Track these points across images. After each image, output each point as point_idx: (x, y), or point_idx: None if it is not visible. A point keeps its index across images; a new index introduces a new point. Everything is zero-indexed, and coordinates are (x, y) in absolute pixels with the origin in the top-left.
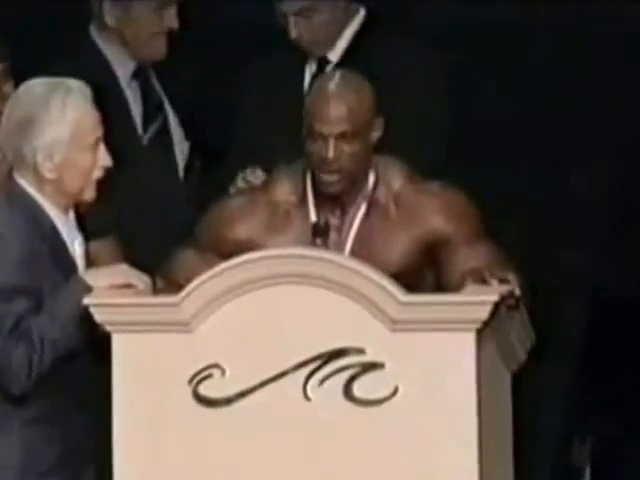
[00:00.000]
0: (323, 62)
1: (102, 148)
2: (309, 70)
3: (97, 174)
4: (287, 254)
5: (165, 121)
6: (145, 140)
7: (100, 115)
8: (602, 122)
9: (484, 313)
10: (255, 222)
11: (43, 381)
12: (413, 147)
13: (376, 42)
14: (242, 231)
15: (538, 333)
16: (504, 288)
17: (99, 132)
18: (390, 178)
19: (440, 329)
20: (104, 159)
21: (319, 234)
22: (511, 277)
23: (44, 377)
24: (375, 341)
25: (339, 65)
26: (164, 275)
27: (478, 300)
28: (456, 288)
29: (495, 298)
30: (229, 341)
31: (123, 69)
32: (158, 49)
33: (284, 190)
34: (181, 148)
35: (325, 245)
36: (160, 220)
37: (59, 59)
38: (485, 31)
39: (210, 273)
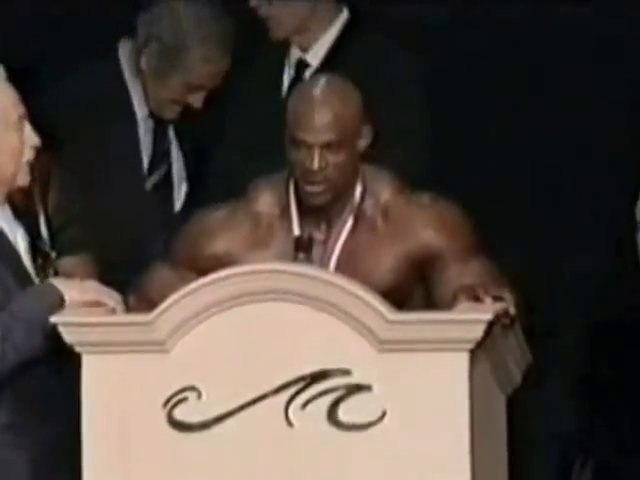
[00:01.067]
0: (301, 65)
1: (28, 127)
2: (287, 74)
3: (27, 156)
4: (267, 269)
5: (169, 170)
6: (149, 184)
7: (19, 95)
8: (602, 122)
9: (478, 332)
10: (236, 236)
11: (4, 389)
12: (400, 152)
13: (359, 44)
14: (221, 245)
15: (536, 352)
16: (499, 306)
17: (20, 109)
18: (378, 189)
19: (431, 349)
20: (32, 139)
21: (302, 248)
22: (506, 294)
23: (4, 384)
24: (361, 362)
25: (320, 69)
26: (137, 292)
27: (471, 319)
28: (448, 306)
29: (489, 316)
30: (206, 362)
31: (138, 101)
32: (169, 113)
33: (266, 201)
34: (179, 190)
35: (308, 260)
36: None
37: (74, 62)
38: (475, 31)
39: (186, 290)
